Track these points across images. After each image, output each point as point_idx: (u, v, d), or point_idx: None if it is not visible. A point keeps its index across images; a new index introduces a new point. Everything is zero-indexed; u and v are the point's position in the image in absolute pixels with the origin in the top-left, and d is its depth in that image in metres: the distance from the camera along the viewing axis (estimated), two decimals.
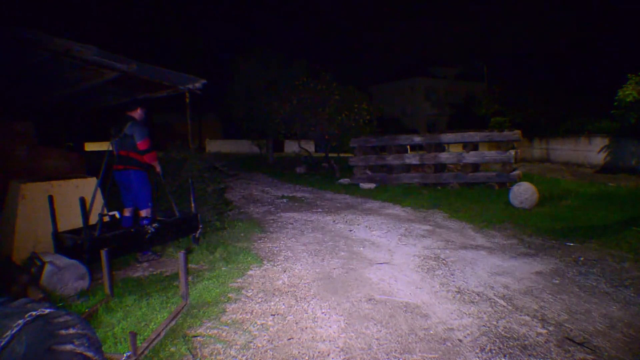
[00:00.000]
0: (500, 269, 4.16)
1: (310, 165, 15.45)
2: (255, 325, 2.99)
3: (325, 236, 5.60)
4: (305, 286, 3.76)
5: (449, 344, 2.70)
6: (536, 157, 18.22)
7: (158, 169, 4.80)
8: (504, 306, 3.27)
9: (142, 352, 2.49)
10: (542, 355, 2.56)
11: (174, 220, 4.82)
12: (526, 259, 4.47)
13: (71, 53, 4.59)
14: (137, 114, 4.70)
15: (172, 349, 2.62)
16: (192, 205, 5.03)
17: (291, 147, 25.50)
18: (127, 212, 4.73)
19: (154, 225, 4.47)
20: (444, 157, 9.97)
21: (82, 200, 3.84)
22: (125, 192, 4.67)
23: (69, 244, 4.06)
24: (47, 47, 4.50)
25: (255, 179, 13.05)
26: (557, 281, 3.81)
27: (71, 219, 4.70)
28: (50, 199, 4.11)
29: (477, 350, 2.61)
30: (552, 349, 2.62)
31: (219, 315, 3.14)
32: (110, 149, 4.58)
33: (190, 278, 3.83)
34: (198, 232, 5.08)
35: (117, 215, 4.73)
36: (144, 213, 4.65)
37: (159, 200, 5.56)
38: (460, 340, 2.74)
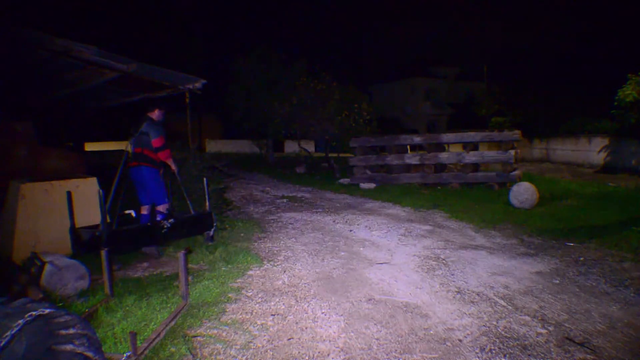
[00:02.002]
0: (500, 269, 4.16)
1: (310, 165, 15.44)
2: (255, 325, 2.99)
3: (325, 236, 5.60)
4: (305, 286, 3.76)
5: (449, 344, 2.70)
6: (536, 157, 18.22)
7: (173, 167, 4.86)
8: (504, 306, 3.27)
9: (142, 352, 2.49)
10: (542, 355, 2.56)
11: (190, 217, 4.85)
12: (526, 259, 4.47)
13: (71, 53, 4.60)
14: (155, 114, 4.79)
15: (172, 349, 2.62)
16: (207, 203, 5.03)
17: (291, 147, 25.48)
18: (144, 210, 4.80)
19: (169, 220, 4.49)
20: (444, 157, 9.97)
21: (101, 196, 3.87)
22: (140, 190, 4.74)
23: (86, 237, 4.08)
24: (47, 47, 4.51)
25: (255, 179, 13.05)
26: (557, 281, 3.81)
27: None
28: (69, 194, 4.13)
29: (477, 350, 2.61)
30: (552, 349, 2.62)
31: (219, 315, 3.14)
32: (128, 148, 4.66)
33: (190, 278, 3.83)
34: (212, 230, 5.09)
35: (133, 214, 4.76)
36: (161, 208, 4.74)
37: (172, 197, 5.57)
38: (460, 340, 2.74)
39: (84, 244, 4.05)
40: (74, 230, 4.16)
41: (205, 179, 5.08)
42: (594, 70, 20.87)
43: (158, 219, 4.63)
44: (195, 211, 4.95)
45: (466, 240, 5.34)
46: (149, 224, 4.43)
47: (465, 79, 36.19)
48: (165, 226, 4.37)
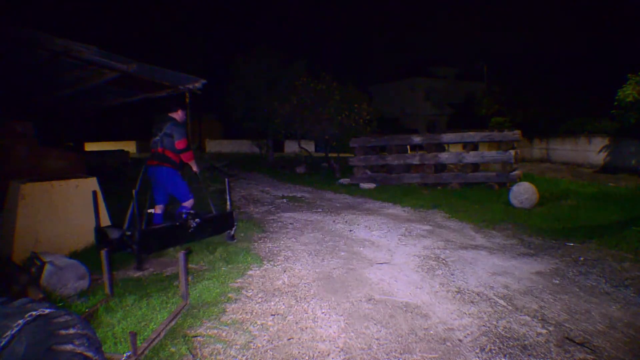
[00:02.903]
0: (500, 269, 4.16)
1: (310, 165, 15.44)
2: (255, 325, 2.99)
3: (325, 236, 5.60)
4: (305, 286, 3.76)
5: (449, 344, 2.70)
6: (536, 157, 18.22)
7: (195, 168, 4.95)
8: (504, 306, 3.27)
9: (142, 352, 2.49)
10: (542, 355, 2.56)
11: (213, 216, 5.00)
12: (526, 259, 4.47)
13: (71, 53, 4.60)
14: (178, 115, 4.84)
15: (172, 349, 2.62)
16: (228, 203, 5.23)
17: (291, 147, 25.50)
18: (158, 209, 4.86)
19: (196, 220, 4.63)
20: (444, 157, 9.97)
21: (136, 195, 3.93)
22: (156, 189, 4.79)
23: (114, 236, 4.12)
24: (47, 47, 4.51)
25: (255, 179, 13.05)
26: (557, 281, 3.81)
27: (72, 219, 4.70)
28: (95, 194, 4.26)
29: (477, 350, 2.61)
30: (552, 349, 2.62)
31: (219, 315, 3.14)
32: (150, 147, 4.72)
33: (190, 278, 3.83)
34: (233, 229, 5.28)
35: (152, 212, 4.86)
36: (187, 204, 4.79)
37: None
38: (460, 340, 2.74)
39: (111, 244, 4.13)
40: (99, 230, 4.23)
41: (227, 180, 5.34)
42: (594, 70, 20.87)
43: (184, 215, 4.73)
44: (216, 211, 5.14)
45: (466, 240, 5.34)
46: (177, 223, 4.55)
47: (465, 79, 36.19)
48: (192, 225, 4.53)
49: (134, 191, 3.87)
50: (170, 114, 4.79)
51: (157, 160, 4.61)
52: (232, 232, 5.29)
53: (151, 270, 4.30)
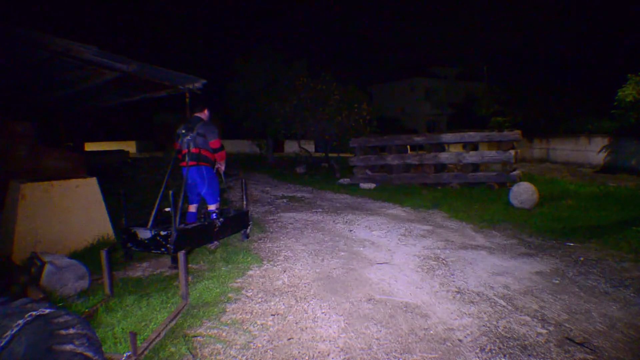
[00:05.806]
0: (500, 269, 4.16)
1: (310, 165, 15.45)
2: (255, 325, 2.99)
3: (325, 236, 5.60)
4: (305, 286, 3.76)
5: (449, 344, 2.70)
6: (536, 157, 18.22)
7: (223, 167, 5.04)
8: (504, 306, 3.27)
9: (142, 352, 2.49)
10: (542, 355, 2.55)
11: (233, 216, 5.18)
12: (526, 259, 4.47)
13: (71, 53, 4.60)
14: (205, 114, 4.90)
15: (172, 349, 2.62)
16: (244, 203, 5.42)
17: (291, 147, 25.50)
18: (192, 208, 4.94)
19: (220, 219, 4.77)
20: (444, 157, 9.97)
21: (173, 194, 3.97)
22: (193, 189, 4.82)
23: (144, 237, 4.19)
24: (47, 47, 4.51)
25: (255, 179, 13.05)
26: (557, 281, 3.81)
27: (72, 219, 4.70)
28: (124, 194, 4.40)
29: (477, 350, 2.61)
30: (552, 349, 2.62)
31: (219, 315, 3.14)
32: (179, 147, 4.74)
33: (190, 278, 3.84)
34: (249, 227, 5.46)
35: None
36: (213, 207, 4.86)
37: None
38: (460, 340, 2.74)
39: (139, 244, 4.16)
40: (126, 230, 4.30)
41: (243, 180, 5.55)
42: (594, 70, 20.88)
43: (212, 217, 4.81)
44: (234, 211, 5.38)
45: (466, 240, 5.34)
46: (206, 223, 4.62)
47: (465, 79, 36.18)
48: (218, 225, 4.68)
49: (170, 192, 3.94)
50: (196, 114, 4.84)
51: (195, 160, 4.62)
52: (248, 231, 5.43)
53: (151, 270, 4.30)
